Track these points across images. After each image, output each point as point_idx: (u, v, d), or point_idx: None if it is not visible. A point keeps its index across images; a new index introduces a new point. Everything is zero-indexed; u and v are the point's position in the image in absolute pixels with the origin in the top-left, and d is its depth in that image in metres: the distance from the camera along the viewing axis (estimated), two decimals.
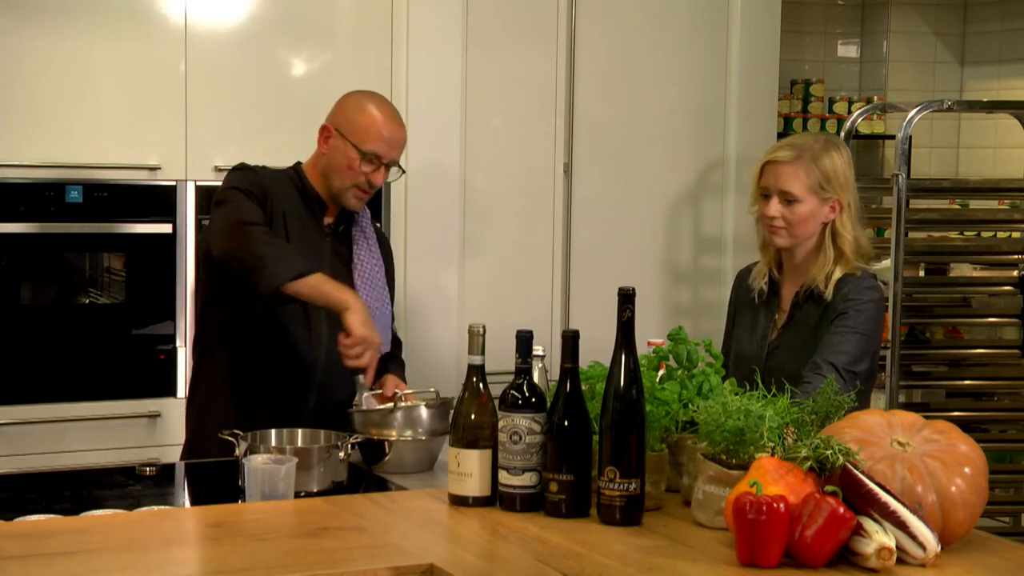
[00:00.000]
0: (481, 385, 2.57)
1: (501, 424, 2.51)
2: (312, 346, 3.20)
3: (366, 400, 3.07)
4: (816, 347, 3.05)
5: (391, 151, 3.20)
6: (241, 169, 3.25)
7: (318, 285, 3.04)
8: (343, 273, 3.25)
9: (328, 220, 3.26)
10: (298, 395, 3.19)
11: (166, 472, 3.03)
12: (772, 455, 2.31)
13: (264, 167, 3.29)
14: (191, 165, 4.16)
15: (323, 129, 3.23)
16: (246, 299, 3.15)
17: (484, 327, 2.58)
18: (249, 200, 3.13)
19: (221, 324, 3.23)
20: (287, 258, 3.04)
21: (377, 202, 4.36)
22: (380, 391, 3.16)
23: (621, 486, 2.40)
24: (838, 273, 3.09)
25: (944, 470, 2.27)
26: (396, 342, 3.43)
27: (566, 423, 2.46)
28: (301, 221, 3.22)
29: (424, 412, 3.01)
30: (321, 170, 3.23)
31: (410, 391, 3.12)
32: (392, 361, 3.34)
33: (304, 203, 3.24)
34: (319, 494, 2.73)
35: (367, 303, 3.21)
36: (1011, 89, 5.93)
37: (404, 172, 3.32)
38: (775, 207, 3.10)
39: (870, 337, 3.05)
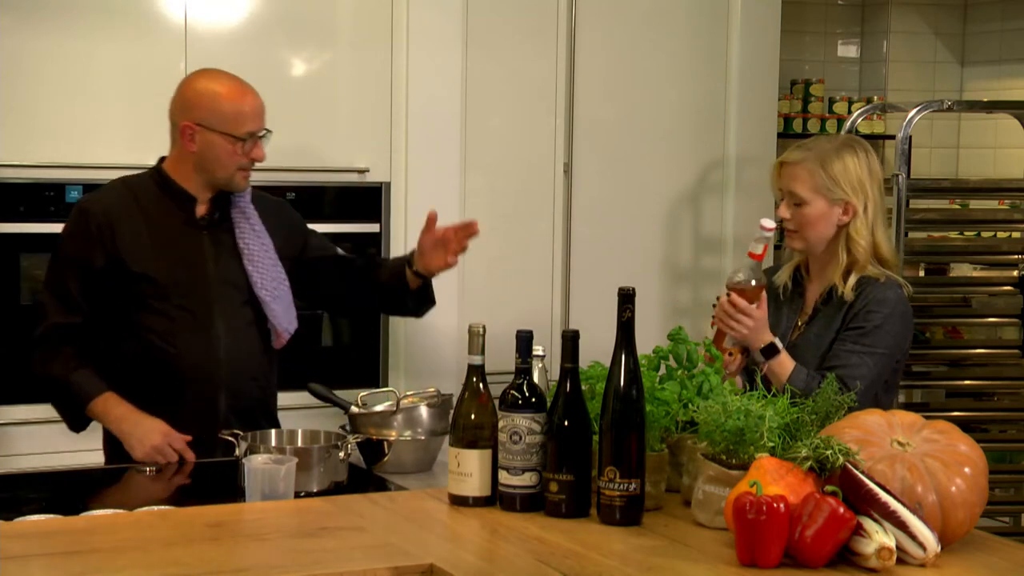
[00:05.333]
0: (481, 385, 2.57)
1: (501, 424, 2.51)
2: (210, 349, 3.15)
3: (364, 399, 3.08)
4: (831, 346, 3.04)
5: (260, 121, 3.18)
6: (77, 212, 3.20)
7: (103, 417, 3.13)
8: (231, 263, 3.19)
9: (201, 211, 3.20)
10: (207, 399, 3.14)
11: (166, 472, 3.03)
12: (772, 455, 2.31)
13: (119, 180, 3.27)
14: None
15: (184, 128, 3.14)
16: (127, 315, 3.15)
17: (484, 327, 2.59)
18: (60, 285, 3.16)
19: (118, 338, 3.18)
20: (67, 395, 3.16)
21: (377, 202, 4.37)
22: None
23: (621, 486, 2.40)
24: (854, 278, 3.06)
25: (944, 470, 2.27)
26: (342, 259, 3.44)
27: (566, 423, 2.46)
28: (171, 221, 3.18)
29: (424, 412, 3.02)
30: (192, 166, 3.16)
31: (411, 392, 3.12)
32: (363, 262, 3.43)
33: (173, 201, 3.19)
34: (319, 494, 2.73)
35: (264, 287, 3.17)
36: (1011, 89, 5.93)
37: (271, 132, 3.23)
38: (784, 209, 3.09)
39: (889, 355, 3.03)
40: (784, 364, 3.00)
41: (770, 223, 3.02)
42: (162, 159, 3.25)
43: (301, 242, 3.37)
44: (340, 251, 3.47)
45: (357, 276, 3.36)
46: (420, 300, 3.36)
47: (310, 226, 3.48)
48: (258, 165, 3.31)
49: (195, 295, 3.15)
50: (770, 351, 3.00)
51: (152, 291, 3.13)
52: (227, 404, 3.15)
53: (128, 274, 3.12)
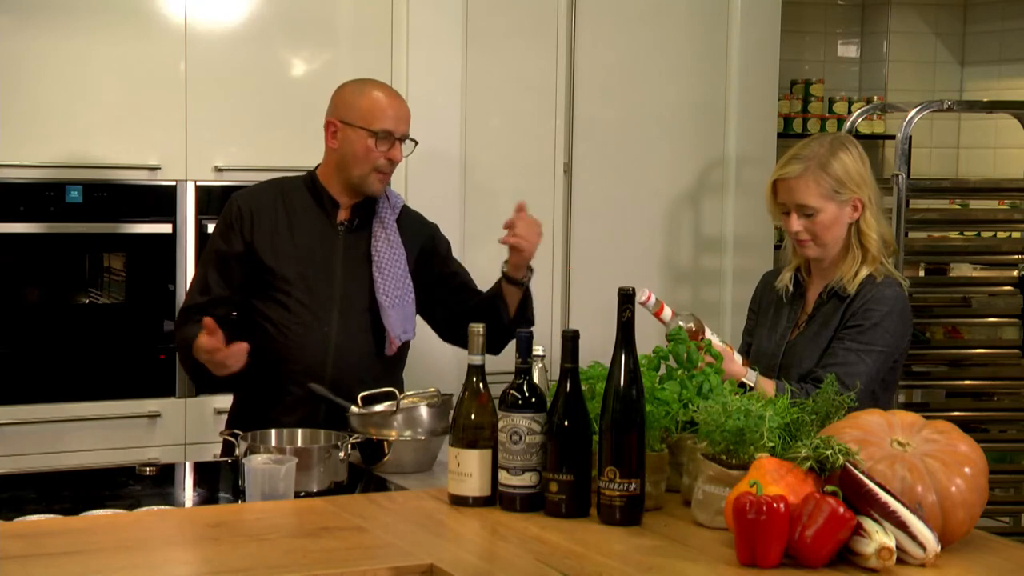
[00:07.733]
0: (481, 385, 2.58)
1: (501, 424, 2.51)
2: (321, 346, 3.21)
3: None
4: (830, 343, 3.04)
5: (401, 125, 3.26)
6: (227, 204, 3.30)
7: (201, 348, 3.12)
8: (359, 268, 3.27)
9: (342, 217, 3.29)
10: (310, 393, 3.16)
11: (166, 472, 3.03)
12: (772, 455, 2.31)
13: (272, 181, 3.36)
14: (191, 165, 4.16)
15: (328, 125, 3.27)
16: (251, 303, 3.22)
17: (484, 327, 2.59)
18: (203, 269, 3.26)
19: (237, 322, 3.25)
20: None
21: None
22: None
23: (621, 486, 2.40)
24: (864, 272, 3.07)
25: (944, 470, 2.27)
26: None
27: (566, 423, 2.46)
28: (312, 222, 3.27)
29: (424, 412, 3.01)
30: (335, 165, 3.27)
31: (411, 392, 3.11)
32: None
33: (317, 204, 3.29)
34: (319, 494, 2.73)
35: (385, 294, 3.26)
36: (1011, 89, 5.93)
37: (416, 143, 3.33)
38: (796, 222, 3.07)
39: (887, 353, 3.04)
40: (764, 391, 2.88)
41: (644, 295, 2.96)
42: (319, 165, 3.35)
43: (437, 266, 3.42)
44: (475, 288, 3.52)
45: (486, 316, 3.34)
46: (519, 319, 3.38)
47: None
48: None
49: (317, 293, 3.24)
50: (744, 388, 2.90)
51: (277, 283, 3.22)
52: (328, 401, 3.14)
53: (258, 263, 3.22)
